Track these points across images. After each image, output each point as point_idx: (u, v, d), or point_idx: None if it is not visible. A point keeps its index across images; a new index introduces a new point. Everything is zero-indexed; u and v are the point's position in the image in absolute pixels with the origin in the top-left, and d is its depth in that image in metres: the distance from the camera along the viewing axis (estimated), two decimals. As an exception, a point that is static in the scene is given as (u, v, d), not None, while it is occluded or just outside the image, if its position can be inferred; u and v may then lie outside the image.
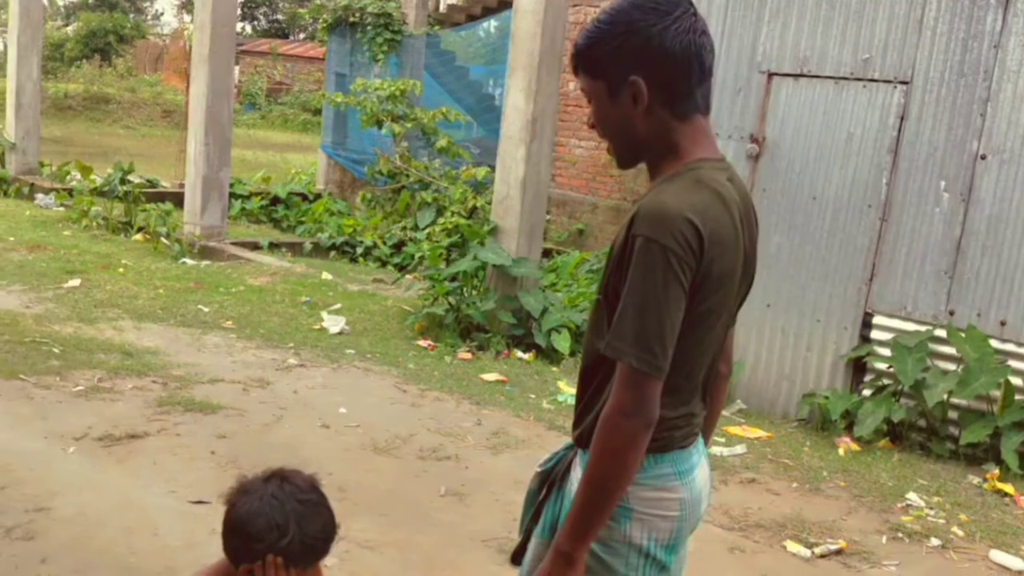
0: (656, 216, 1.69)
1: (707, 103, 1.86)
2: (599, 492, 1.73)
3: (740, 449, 5.34)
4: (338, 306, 7.87)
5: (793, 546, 4.15)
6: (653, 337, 1.67)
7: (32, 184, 12.67)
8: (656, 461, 1.81)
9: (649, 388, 1.68)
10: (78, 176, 13.04)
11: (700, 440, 1.95)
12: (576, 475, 1.87)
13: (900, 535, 4.38)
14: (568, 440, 1.99)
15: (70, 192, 12.05)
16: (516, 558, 2.05)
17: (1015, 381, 5.36)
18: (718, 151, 1.88)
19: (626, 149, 1.88)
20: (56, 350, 5.86)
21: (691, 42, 1.78)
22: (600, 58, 1.82)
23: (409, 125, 11.60)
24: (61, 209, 11.59)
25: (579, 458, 1.89)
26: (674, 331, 1.70)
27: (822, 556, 4.09)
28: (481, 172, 10.66)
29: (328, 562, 2.48)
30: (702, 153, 1.83)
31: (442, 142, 11.42)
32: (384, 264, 10.57)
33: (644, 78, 1.79)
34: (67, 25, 39.43)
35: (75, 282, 7.83)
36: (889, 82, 5.79)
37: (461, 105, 13.13)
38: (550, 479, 1.99)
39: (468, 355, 6.89)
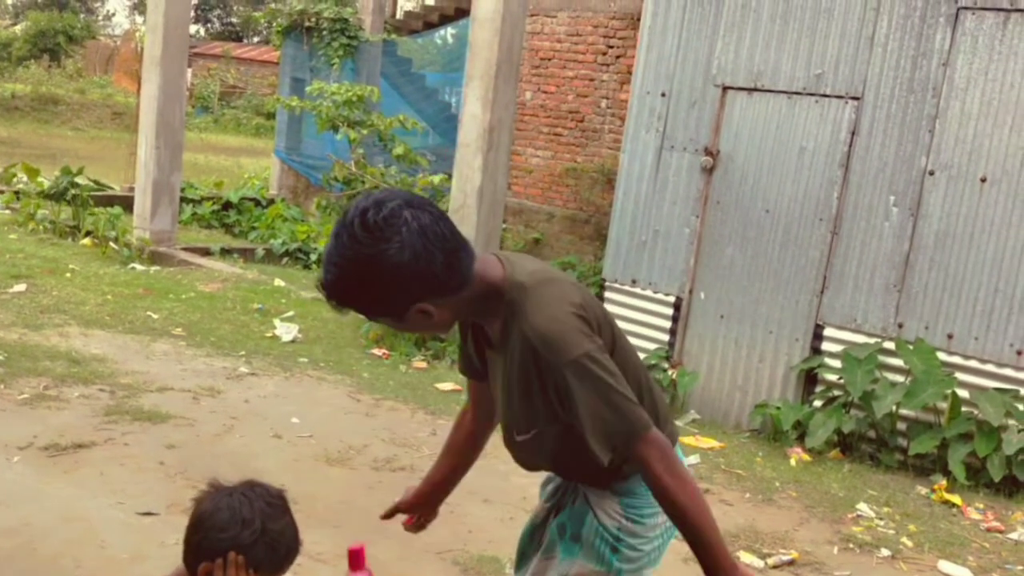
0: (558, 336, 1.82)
1: (471, 250, 1.85)
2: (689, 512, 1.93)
3: (693, 459, 5.37)
4: (291, 313, 7.79)
5: (746, 556, 4.18)
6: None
7: (-23, 186, 12.39)
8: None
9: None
10: (25, 178, 12.76)
11: None
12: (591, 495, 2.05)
13: (851, 545, 4.44)
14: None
15: (17, 195, 11.79)
16: None
17: (961, 393, 5.46)
18: (498, 276, 1.89)
19: (442, 332, 1.99)
20: (0, 357, 5.73)
21: (429, 250, 1.74)
22: (367, 312, 1.84)
23: (365, 131, 11.52)
24: (7, 212, 11.33)
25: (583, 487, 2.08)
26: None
27: (775, 567, 4.13)
28: (437, 179, 10.61)
29: (281, 577, 2.44)
30: (499, 283, 1.88)
31: (399, 149, 11.35)
32: (338, 271, 10.46)
33: (419, 300, 1.79)
34: (15, 24, 38.65)
35: (20, 287, 7.66)
36: (841, 97, 5.88)
37: (418, 112, 13.07)
38: (555, 508, 2.14)
39: (423, 364, 6.85)
